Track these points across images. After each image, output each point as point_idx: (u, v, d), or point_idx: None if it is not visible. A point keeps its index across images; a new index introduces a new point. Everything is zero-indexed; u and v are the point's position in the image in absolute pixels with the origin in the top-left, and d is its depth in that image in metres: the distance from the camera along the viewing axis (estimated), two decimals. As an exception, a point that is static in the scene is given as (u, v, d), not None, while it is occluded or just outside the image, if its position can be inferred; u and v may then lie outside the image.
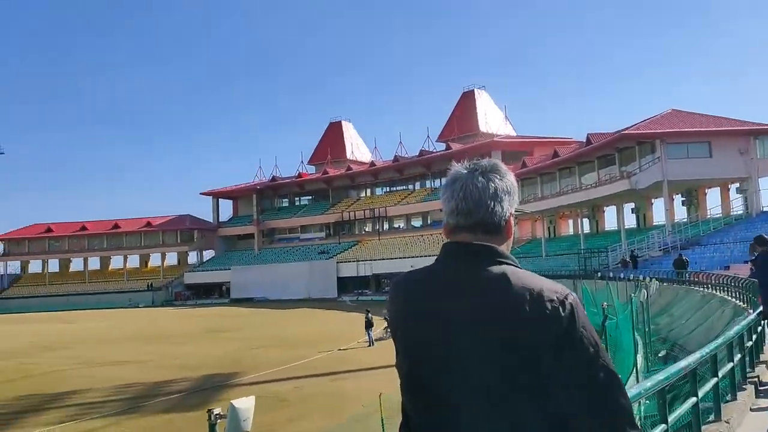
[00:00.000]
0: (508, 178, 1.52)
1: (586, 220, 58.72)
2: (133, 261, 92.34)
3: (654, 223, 49.44)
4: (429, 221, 78.94)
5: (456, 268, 1.46)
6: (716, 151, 40.69)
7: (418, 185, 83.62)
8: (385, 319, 31.10)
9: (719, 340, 6.25)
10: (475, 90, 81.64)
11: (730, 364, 6.53)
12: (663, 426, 4.45)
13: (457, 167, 1.60)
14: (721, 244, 35.30)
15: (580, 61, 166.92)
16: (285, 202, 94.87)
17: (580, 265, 41.73)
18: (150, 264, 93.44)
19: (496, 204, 1.48)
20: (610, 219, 56.29)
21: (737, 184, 42.67)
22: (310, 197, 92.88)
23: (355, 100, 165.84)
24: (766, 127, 41.49)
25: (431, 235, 74.87)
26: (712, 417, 5.77)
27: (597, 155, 47.29)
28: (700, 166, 40.67)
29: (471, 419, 1.36)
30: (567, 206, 53.67)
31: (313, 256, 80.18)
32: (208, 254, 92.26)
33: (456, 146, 75.33)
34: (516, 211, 1.55)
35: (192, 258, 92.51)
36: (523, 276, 1.41)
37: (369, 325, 25.84)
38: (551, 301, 1.36)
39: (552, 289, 1.39)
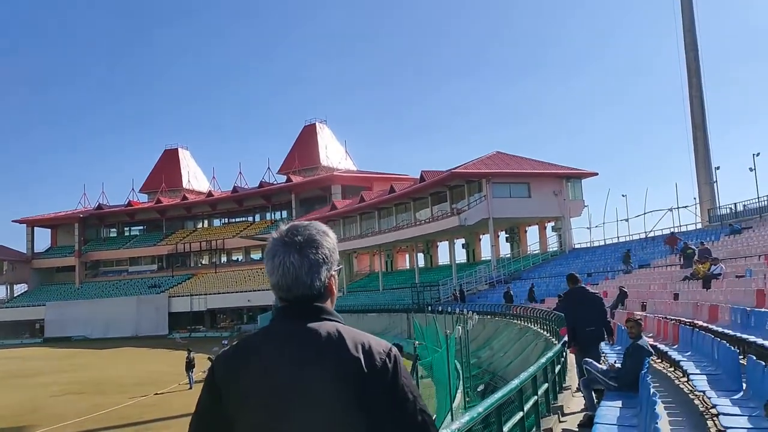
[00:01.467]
0: (325, 247, 1.68)
1: (421, 255, 60.79)
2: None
3: (482, 258, 52.29)
4: (270, 254, 77.25)
5: (287, 330, 1.60)
6: (534, 192, 44.08)
7: (258, 217, 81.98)
8: (211, 359, 29.39)
9: (532, 369, 6.61)
10: (317, 123, 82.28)
11: (545, 386, 7.11)
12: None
13: (275, 238, 1.69)
14: (538, 278, 37.92)
15: (413, 99, 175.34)
16: (113, 233, 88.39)
17: (413, 299, 42.73)
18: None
19: (314, 278, 1.65)
20: (443, 253, 58.73)
21: (552, 223, 46.46)
22: (142, 227, 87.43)
23: (192, 128, 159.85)
24: (576, 171, 45.79)
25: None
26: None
27: (430, 192, 49.24)
28: (521, 205, 43.78)
29: None
30: (403, 241, 55.15)
31: (143, 290, 75.12)
32: (19, 288, 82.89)
33: (297, 179, 75.07)
34: (336, 269, 1.72)
35: (0, 293, 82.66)
36: (351, 333, 1.60)
37: (190, 366, 24.20)
38: (380, 354, 1.57)
39: (378, 344, 1.60)
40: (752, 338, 8.21)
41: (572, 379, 9.89)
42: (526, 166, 45.74)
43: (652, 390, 4.93)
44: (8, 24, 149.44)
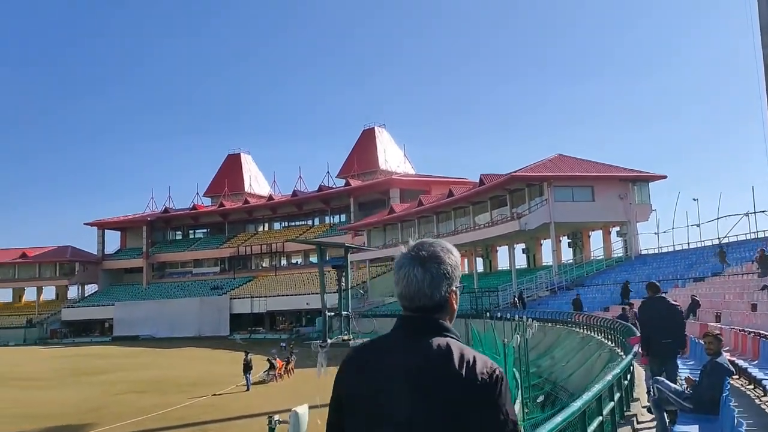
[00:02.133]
0: (447, 263, 1.81)
1: (480, 260, 59.83)
2: (5, 295, 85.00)
3: (543, 263, 50.94)
4: (328, 257, 77.62)
5: (405, 341, 1.76)
6: (598, 196, 42.57)
7: (317, 221, 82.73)
8: (269, 361, 29.56)
9: (605, 381, 6.20)
10: (376, 128, 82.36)
11: (611, 404, 6.57)
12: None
13: (403, 252, 1.86)
14: (602, 285, 36.57)
15: (473, 100, 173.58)
16: (178, 235, 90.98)
17: (471, 305, 41.99)
18: (24, 298, 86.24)
19: (434, 291, 1.78)
20: (503, 258, 57.62)
21: (617, 228, 44.76)
22: (205, 230, 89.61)
23: (254, 133, 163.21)
24: (643, 174, 44.00)
25: (329, 271, 73.58)
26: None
27: (490, 195, 48.36)
28: (584, 210, 42.36)
29: None
30: (462, 245, 54.27)
31: (206, 291, 76.85)
32: (90, 289, 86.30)
33: (355, 182, 75.29)
34: (458, 285, 1.86)
35: (72, 292, 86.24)
36: (459, 348, 1.74)
37: (247, 368, 24.35)
38: (482, 373, 1.69)
39: (484, 363, 1.72)
40: None
41: (641, 393, 9.40)
42: (589, 168, 44.27)
43: (735, 416, 4.36)
44: (73, 26, 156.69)
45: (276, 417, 6.69)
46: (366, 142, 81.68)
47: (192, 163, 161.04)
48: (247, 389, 23.83)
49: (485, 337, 25.33)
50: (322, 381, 7.44)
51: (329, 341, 7.23)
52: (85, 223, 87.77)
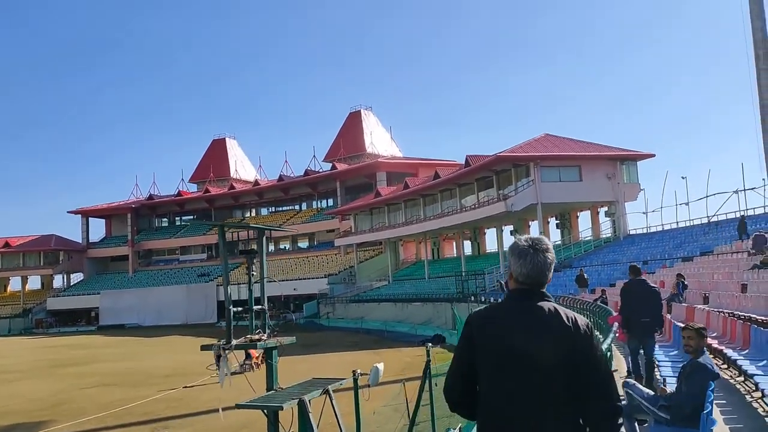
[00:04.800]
0: (553, 252, 2.51)
1: (468, 242, 59.05)
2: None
3: (531, 245, 50.15)
4: (315, 242, 76.98)
5: (522, 305, 2.42)
6: (586, 175, 41.73)
7: (304, 205, 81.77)
8: (247, 354, 28.74)
9: None
10: (362, 110, 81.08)
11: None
12: None
13: (521, 243, 2.52)
14: (590, 266, 35.82)
15: (458, 81, 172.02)
16: (164, 222, 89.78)
17: (457, 288, 41.24)
18: (9, 288, 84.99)
19: (549, 272, 2.47)
20: (491, 241, 56.86)
21: (606, 208, 44.00)
22: (191, 217, 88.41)
23: (240, 117, 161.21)
24: (631, 153, 43.16)
25: (317, 256, 72.94)
26: None
27: (476, 177, 47.43)
28: (572, 190, 41.53)
29: (540, 390, 2.30)
30: (449, 228, 53.58)
31: (193, 278, 75.88)
32: (76, 278, 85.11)
33: (342, 166, 74.25)
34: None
35: (58, 282, 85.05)
36: (563, 310, 2.43)
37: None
38: (583, 326, 2.39)
39: (581, 319, 2.43)
40: None
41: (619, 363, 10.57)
42: (577, 148, 43.37)
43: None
44: (68, 21, 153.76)
45: (358, 370, 7.30)
46: (352, 125, 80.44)
47: (177, 149, 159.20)
48: (221, 381, 22.90)
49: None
50: (226, 391, 6.61)
51: (234, 342, 6.33)
52: (68, 211, 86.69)
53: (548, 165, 41.38)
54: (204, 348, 6.54)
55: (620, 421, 2.46)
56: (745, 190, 35.81)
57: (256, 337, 6.48)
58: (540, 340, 2.31)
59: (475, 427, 2.52)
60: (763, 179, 35.71)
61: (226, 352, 6.27)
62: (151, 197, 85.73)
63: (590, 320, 17.28)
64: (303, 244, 79.84)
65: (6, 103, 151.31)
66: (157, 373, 26.14)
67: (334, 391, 6.67)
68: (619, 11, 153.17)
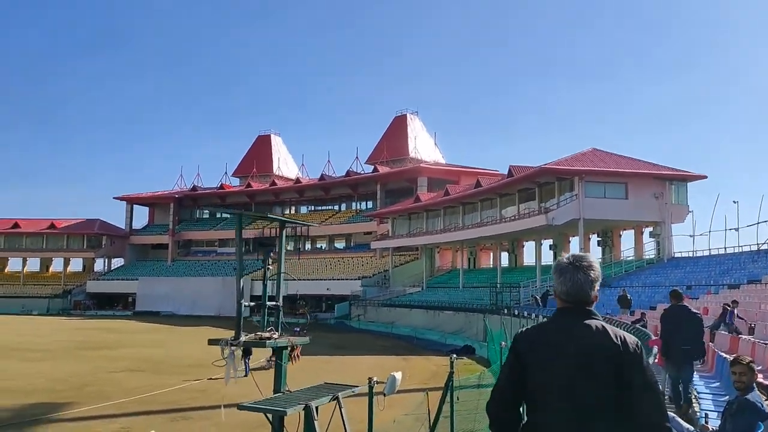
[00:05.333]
0: (596, 269, 2.54)
1: (505, 254, 58.13)
2: (33, 264, 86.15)
3: (570, 262, 48.98)
4: (352, 243, 77.01)
5: (568, 323, 2.46)
6: (632, 194, 40.54)
7: (343, 206, 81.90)
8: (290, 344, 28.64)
9: None
10: (408, 114, 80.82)
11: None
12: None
13: (563, 260, 2.56)
14: (630, 287, 34.67)
15: (507, 90, 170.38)
16: (205, 214, 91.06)
17: (491, 300, 40.50)
18: (52, 269, 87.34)
19: (590, 290, 2.49)
20: (529, 254, 55.82)
21: (651, 228, 42.65)
22: (241, 211, 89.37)
23: (285, 115, 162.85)
24: (681, 173, 41.75)
25: (352, 257, 72.90)
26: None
27: (518, 188, 46.61)
28: (616, 207, 40.38)
29: (588, 411, 2.31)
30: (487, 238, 52.84)
31: (229, 271, 76.51)
32: (117, 263, 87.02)
33: (384, 169, 74.10)
34: (599, 286, 2.57)
35: (99, 265, 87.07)
36: (612, 328, 2.44)
37: (247, 352, 23.36)
38: (632, 344, 2.39)
39: (631, 337, 2.43)
40: None
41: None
42: (624, 164, 42.17)
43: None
44: (111, 13, 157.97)
45: (375, 378, 7.01)
46: (397, 128, 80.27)
47: (222, 143, 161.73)
48: (246, 375, 22.83)
49: (498, 335, 24.00)
50: (232, 389, 6.31)
51: (242, 338, 6.03)
52: (114, 197, 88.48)
53: (593, 180, 40.33)
54: (211, 342, 6.27)
55: None
56: (798, 218, 34.22)
57: (266, 335, 6.18)
58: (589, 358, 2.33)
59: None
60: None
61: (233, 348, 5.99)
62: (194, 188, 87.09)
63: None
64: (340, 244, 79.92)
65: (67, 90, 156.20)
66: (184, 363, 26.26)
67: (349, 397, 6.34)
68: (673, 27, 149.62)
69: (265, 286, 6.50)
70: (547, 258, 50.02)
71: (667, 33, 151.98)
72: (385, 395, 6.98)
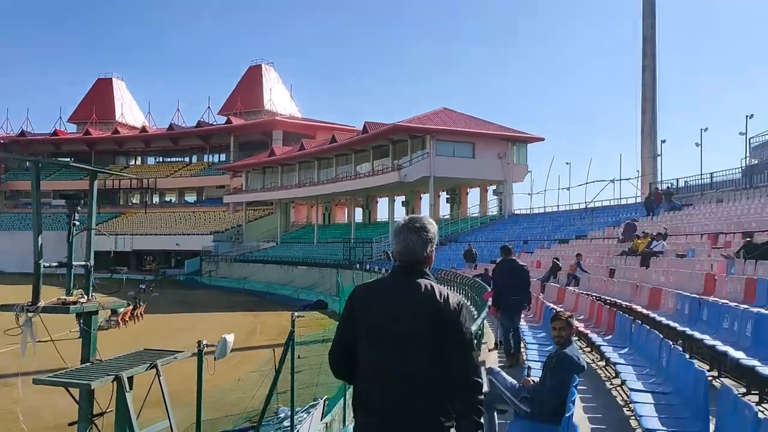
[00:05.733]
0: (430, 231, 2.63)
1: (360, 210, 58.89)
2: None
3: (421, 217, 50.66)
4: (204, 197, 74.08)
5: (402, 280, 2.58)
6: (479, 153, 42.48)
7: (194, 158, 78.30)
8: (129, 303, 26.84)
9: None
10: (263, 65, 78.22)
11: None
12: None
13: (400, 222, 2.67)
14: (475, 242, 36.57)
15: (364, 44, 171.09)
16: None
17: (344, 255, 40.97)
18: None
19: (423, 250, 2.60)
20: (383, 210, 56.97)
21: (495, 186, 45.12)
22: (69, 160, 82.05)
23: (130, 57, 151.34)
24: (522, 135, 44.30)
25: (204, 212, 70.22)
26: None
27: (373, 145, 47.04)
28: (464, 166, 42.14)
29: (412, 355, 2.45)
30: (342, 193, 53.08)
31: (65, 225, 70.60)
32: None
33: (237, 121, 71.51)
34: (435, 246, 2.68)
35: None
36: (439, 287, 2.55)
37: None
38: (453, 302, 2.52)
39: (454, 296, 2.57)
40: (717, 344, 6.48)
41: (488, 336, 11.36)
42: (472, 125, 43.95)
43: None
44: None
45: (204, 341, 6.53)
46: (251, 79, 77.47)
47: (55, 85, 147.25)
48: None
49: (348, 290, 24.30)
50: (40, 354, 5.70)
51: (41, 303, 5.44)
52: None
53: (444, 139, 41.68)
54: (2, 309, 5.52)
55: (481, 419, 2.50)
56: (620, 180, 37.88)
57: (72, 298, 5.56)
58: (412, 314, 2.47)
59: (342, 398, 3.12)
60: (637, 171, 37.75)
61: (30, 315, 5.32)
62: (23, 134, 78.82)
63: (466, 295, 17.52)
64: (191, 198, 76.62)
65: None
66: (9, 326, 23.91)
67: (177, 361, 5.94)
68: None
69: (70, 244, 5.81)
70: (400, 214, 51.39)
71: (530, 7, 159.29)
72: (216, 359, 6.63)
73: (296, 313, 8.65)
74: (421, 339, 2.44)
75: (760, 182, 26.92)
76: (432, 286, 2.52)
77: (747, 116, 32.51)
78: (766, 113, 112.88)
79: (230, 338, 6.67)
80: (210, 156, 76.72)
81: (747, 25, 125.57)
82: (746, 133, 32.53)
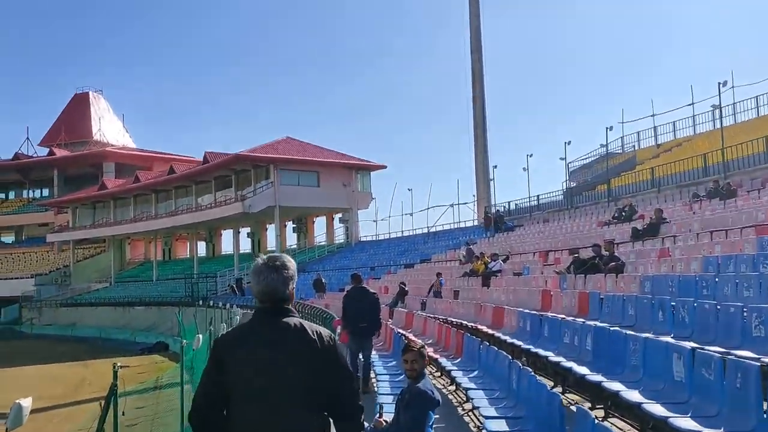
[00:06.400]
0: (291, 269, 2.60)
1: (203, 243, 56.39)
2: None
3: (268, 248, 49.59)
4: (24, 237, 66.92)
5: (268, 322, 2.50)
6: (324, 182, 42.58)
7: (12, 194, 70.84)
8: None
9: None
10: (91, 93, 73.02)
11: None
12: None
13: (259, 262, 2.61)
14: (323, 270, 36.30)
15: (202, 77, 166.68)
16: None
17: (187, 292, 38.82)
18: None
19: (285, 288, 2.55)
20: (227, 242, 55.02)
21: (341, 215, 45.39)
22: None
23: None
24: (365, 163, 45.14)
25: (24, 252, 63.35)
26: None
27: (214, 175, 45.41)
28: (310, 195, 41.99)
29: (283, 404, 2.38)
30: (183, 227, 50.53)
31: None
32: None
33: (62, 153, 65.84)
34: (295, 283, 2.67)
35: None
36: (309, 324, 2.52)
37: None
38: (326, 338, 2.49)
39: (325, 331, 2.53)
40: (561, 360, 6.65)
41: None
42: (317, 154, 44.03)
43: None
44: None
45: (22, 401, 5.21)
46: (77, 108, 71.96)
47: None
48: None
49: (191, 329, 22.87)
50: None
51: None
52: None
53: (288, 168, 41.31)
54: None
55: None
56: (459, 204, 39.79)
57: None
58: (288, 358, 2.39)
59: None
60: (473, 195, 39.85)
61: None
62: None
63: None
64: (8, 238, 68.94)
65: None
66: None
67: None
68: (360, 26, 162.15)
69: None
70: (246, 246, 49.89)
71: (353, 33, 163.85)
72: (7, 430, 5.62)
73: (119, 364, 7.73)
74: (299, 379, 2.39)
75: (579, 203, 29.54)
76: (301, 324, 2.48)
77: (566, 143, 35.72)
78: (582, 140, 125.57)
79: (26, 403, 5.71)
80: (30, 191, 69.87)
81: (567, 61, 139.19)
82: (566, 158, 35.70)
